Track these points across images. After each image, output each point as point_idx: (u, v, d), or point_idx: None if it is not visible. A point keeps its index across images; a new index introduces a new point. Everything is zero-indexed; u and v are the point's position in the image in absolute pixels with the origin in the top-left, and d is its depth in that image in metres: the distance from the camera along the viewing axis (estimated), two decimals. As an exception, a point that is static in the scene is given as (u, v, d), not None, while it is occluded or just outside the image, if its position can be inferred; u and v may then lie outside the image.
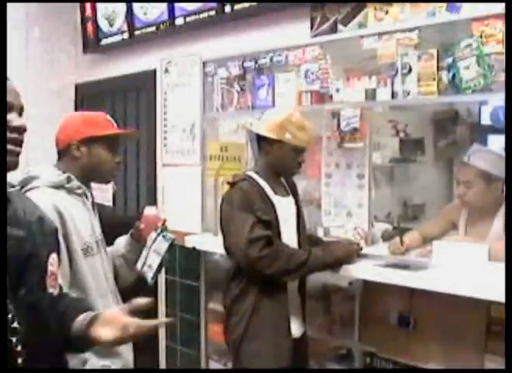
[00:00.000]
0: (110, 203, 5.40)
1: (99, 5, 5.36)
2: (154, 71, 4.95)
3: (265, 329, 3.18)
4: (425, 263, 3.23)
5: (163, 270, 4.72)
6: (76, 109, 5.83)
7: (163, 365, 5.05)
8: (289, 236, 3.26)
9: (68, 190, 2.70)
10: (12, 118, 1.72)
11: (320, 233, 3.76)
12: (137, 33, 5.02)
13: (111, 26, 5.24)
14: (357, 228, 3.69)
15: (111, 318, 1.80)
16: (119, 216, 5.35)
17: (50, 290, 1.85)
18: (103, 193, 5.43)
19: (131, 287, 3.06)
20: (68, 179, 2.71)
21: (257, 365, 3.18)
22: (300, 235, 3.37)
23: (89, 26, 5.48)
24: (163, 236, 2.98)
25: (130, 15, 5.02)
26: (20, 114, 1.78)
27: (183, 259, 4.65)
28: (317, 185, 3.99)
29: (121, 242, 3.11)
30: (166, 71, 4.79)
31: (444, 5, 3.23)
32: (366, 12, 3.62)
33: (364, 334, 3.57)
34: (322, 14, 3.85)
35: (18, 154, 1.73)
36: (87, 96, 5.82)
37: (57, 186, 2.66)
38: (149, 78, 5.01)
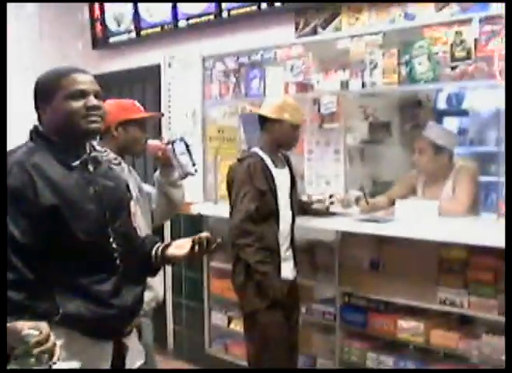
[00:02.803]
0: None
1: (107, 7, 6.00)
2: (158, 66, 5.60)
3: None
4: (390, 218, 3.99)
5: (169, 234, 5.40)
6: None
7: (170, 318, 5.74)
8: (283, 201, 3.91)
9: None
10: (90, 99, 2.37)
11: (304, 199, 4.35)
12: (143, 32, 5.67)
13: (119, 26, 5.89)
14: (335, 194, 4.44)
15: (181, 243, 2.55)
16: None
17: (134, 225, 2.64)
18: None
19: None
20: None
21: (257, 302, 3.80)
22: (293, 199, 4.00)
23: (98, 26, 6.11)
24: (176, 141, 3.54)
25: (137, 16, 5.68)
26: (96, 97, 2.41)
27: (187, 225, 5.33)
28: (301, 159, 4.69)
29: (157, 174, 3.68)
30: (170, 65, 5.52)
31: (403, 13, 4.00)
32: (341, 18, 4.32)
33: (343, 278, 4.19)
34: (305, 19, 4.54)
35: (95, 122, 2.39)
36: (95, 88, 6.40)
37: None
38: (154, 72, 5.64)
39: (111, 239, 2.43)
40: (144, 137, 3.47)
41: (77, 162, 2.40)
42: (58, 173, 2.33)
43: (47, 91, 2.38)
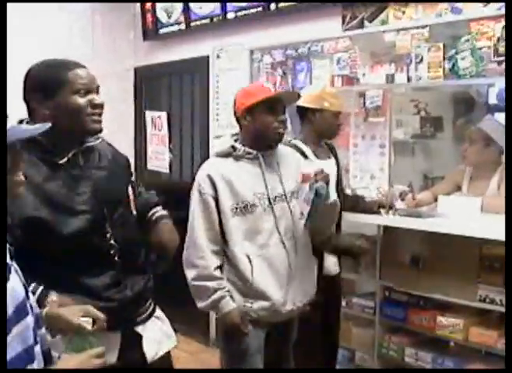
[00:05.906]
0: (167, 170, 6.15)
1: (159, -1, 6.06)
2: (207, 57, 5.66)
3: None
4: (432, 213, 3.95)
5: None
6: (135, 90, 6.52)
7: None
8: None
9: (235, 157, 3.10)
10: (94, 97, 2.31)
11: (348, 193, 4.34)
12: (192, 24, 5.68)
13: (169, 17, 5.94)
14: (379, 188, 4.42)
15: None
16: (174, 181, 6.07)
17: (134, 212, 2.56)
18: (161, 161, 6.20)
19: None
20: (234, 148, 3.11)
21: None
22: (338, 192, 3.86)
23: (149, 17, 6.13)
24: (309, 187, 3.03)
25: (186, 8, 5.69)
26: (97, 92, 2.33)
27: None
28: (346, 153, 4.65)
29: None
30: (218, 56, 5.57)
31: (449, 7, 3.96)
32: (388, 11, 4.29)
33: (384, 273, 4.17)
34: (352, 12, 4.51)
35: (99, 122, 2.33)
36: (146, 79, 6.45)
37: (224, 155, 3.11)
38: (202, 63, 5.69)
39: (108, 235, 2.38)
40: (277, 120, 3.06)
41: (64, 160, 2.32)
42: (43, 176, 2.26)
43: (50, 84, 2.28)
